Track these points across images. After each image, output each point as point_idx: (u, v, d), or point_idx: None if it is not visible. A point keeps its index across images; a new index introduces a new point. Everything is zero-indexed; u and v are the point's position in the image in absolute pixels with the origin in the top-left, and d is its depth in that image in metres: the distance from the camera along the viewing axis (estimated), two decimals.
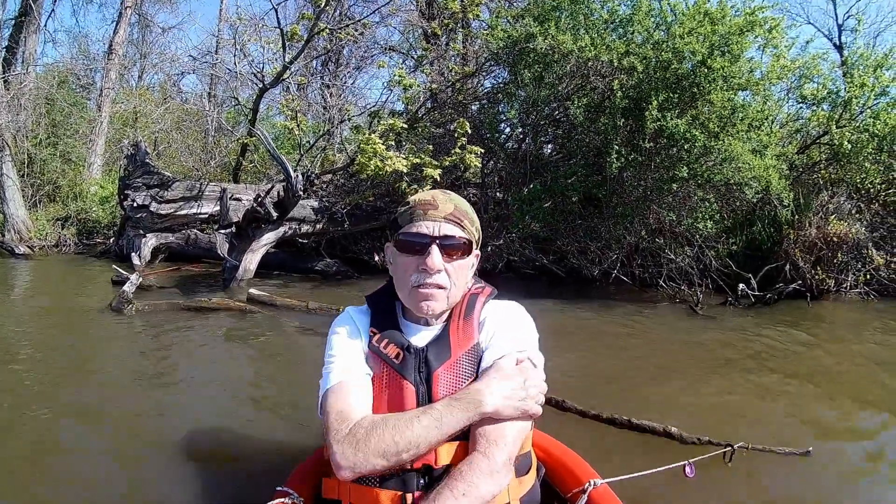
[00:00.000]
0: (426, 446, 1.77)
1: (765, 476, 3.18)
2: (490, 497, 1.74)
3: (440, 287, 1.96)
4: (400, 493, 1.79)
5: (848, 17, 20.24)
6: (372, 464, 1.73)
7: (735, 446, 3.24)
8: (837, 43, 20.37)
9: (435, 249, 1.93)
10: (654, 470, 2.57)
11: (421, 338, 2.02)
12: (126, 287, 7.21)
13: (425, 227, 1.95)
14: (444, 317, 2.07)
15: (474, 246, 2.05)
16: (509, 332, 2.03)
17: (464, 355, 1.96)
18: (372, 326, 2.07)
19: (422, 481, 1.81)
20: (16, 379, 4.74)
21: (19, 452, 3.43)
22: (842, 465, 3.40)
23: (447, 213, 1.97)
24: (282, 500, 2.00)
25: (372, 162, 8.91)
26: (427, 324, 2.06)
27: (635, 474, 2.44)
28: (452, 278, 1.97)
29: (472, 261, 2.06)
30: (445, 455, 1.82)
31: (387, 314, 2.10)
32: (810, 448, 3.35)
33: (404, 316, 2.10)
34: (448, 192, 2.10)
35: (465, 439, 1.85)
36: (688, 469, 2.68)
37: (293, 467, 2.32)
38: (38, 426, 3.81)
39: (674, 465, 2.68)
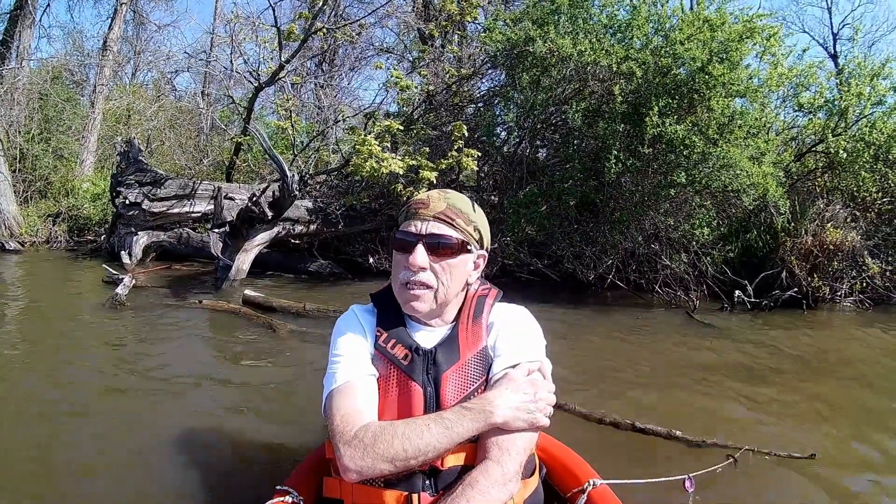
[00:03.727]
0: (434, 454, 1.76)
1: (769, 480, 3.17)
2: (501, 503, 1.74)
3: (426, 286, 1.94)
4: (406, 493, 1.79)
5: (843, 27, 20.30)
6: (379, 469, 1.73)
7: (740, 449, 3.23)
8: (832, 52, 20.43)
9: (420, 248, 1.92)
10: (653, 479, 2.54)
11: (428, 339, 2.01)
12: (119, 290, 7.16)
13: (413, 226, 1.95)
14: (452, 318, 2.05)
15: (472, 246, 2.01)
16: (519, 339, 2.01)
17: (472, 358, 1.95)
18: (378, 326, 2.04)
19: (428, 482, 1.81)
20: (7, 377, 4.72)
21: (12, 452, 3.41)
22: (847, 468, 3.40)
23: (437, 211, 1.95)
24: (282, 498, 2.00)
25: (368, 163, 8.85)
26: (433, 324, 2.03)
27: (635, 481, 2.42)
28: (441, 278, 1.95)
29: (466, 260, 2.02)
30: (453, 457, 1.83)
31: (393, 314, 2.07)
32: (815, 452, 3.34)
33: (410, 316, 2.07)
34: (448, 191, 2.07)
35: (472, 441, 1.84)
36: (687, 483, 2.63)
37: (293, 466, 2.32)
38: (32, 425, 3.81)
39: (673, 478, 2.64)
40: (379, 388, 1.93)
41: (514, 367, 1.94)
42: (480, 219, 2.06)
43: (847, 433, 3.94)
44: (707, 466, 3.03)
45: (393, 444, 1.72)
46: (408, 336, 2.00)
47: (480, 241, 2.05)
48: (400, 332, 2.01)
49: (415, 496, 1.78)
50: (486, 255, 2.11)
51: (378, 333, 2.02)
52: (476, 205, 2.08)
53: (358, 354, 1.98)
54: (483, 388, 1.92)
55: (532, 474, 2.01)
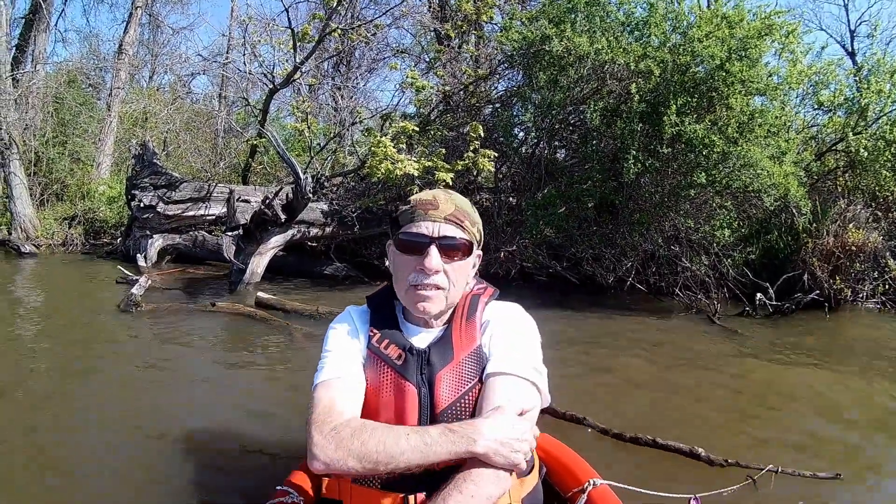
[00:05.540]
0: (405, 465, 1.70)
1: (791, 502, 3.02)
2: (496, 498, 1.72)
3: (438, 288, 1.93)
4: (402, 495, 1.78)
5: (860, 24, 20.15)
6: (347, 465, 1.70)
7: (762, 470, 3.12)
8: (850, 49, 20.26)
9: (434, 250, 1.90)
10: (656, 493, 2.43)
11: (422, 339, 2.00)
12: (135, 290, 7.14)
13: (425, 228, 1.93)
14: (446, 318, 2.04)
15: (475, 247, 2.01)
16: (514, 337, 1.99)
17: (466, 357, 1.93)
18: (372, 326, 2.04)
19: (423, 484, 1.78)
20: (21, 377, 4.76)
21: (21, 449, 3.46)
22: (875, 490, 3.25)
23: (448, 213, 1.94)
24: (282, 499, 2.02)
25: (382, 165, 8.79)
26: (428, 325, 2.03)
27: (640, 490, 2.35)
28: (451, 279, 1.94)
29: (472, 262, 2.03)
30: None
31: (387, 315, 2.08)
32: (840, 472, 3.21)
33: (405, 317, 2.08)
34: (450, 191, 2.07)
35: None
36: (693, 502, 2.53)
37: (293, 467, 2.32)
38: (42, 424, 3.83)
39: (678, 496, 2.54)
40: (372, 389, 1.92)
41: (506, 374, 1.89)
42: (479, 219, 2.08)
43: (875, 451, 3.80)
44: (727, 485, 2.94)
45: (367, 443, 1.69)
46: (401, 336, 1.99)
47: (479, 242, 2.07)
48: (393, 332, 2.01)
49: (411, 497, 1.78)
50: (481, 254, 2.12)
51: (371, 334, 2.02)
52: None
53: (348, 353, 1.98)
54: (478, 387, 1.90)
55: (530, 472, 2.00)
